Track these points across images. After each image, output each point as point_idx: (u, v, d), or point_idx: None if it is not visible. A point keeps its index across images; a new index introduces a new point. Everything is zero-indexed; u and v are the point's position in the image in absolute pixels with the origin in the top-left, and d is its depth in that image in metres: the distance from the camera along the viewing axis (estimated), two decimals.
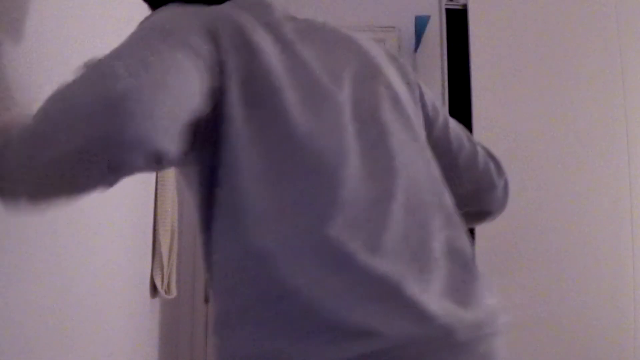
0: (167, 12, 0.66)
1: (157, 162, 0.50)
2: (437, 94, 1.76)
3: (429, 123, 0.79)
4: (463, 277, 0.65)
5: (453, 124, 0.84)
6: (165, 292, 1.78)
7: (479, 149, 0.86)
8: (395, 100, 0.71)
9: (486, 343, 0.62)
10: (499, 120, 1.66)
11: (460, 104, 1.69)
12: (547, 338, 1.57)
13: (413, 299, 0.56)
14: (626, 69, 1.68)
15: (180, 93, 0.53)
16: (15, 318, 0.92)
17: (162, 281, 1.76)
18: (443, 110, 0.84)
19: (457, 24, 1.73)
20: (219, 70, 0.60)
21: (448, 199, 0.69)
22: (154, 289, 1.75)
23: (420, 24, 2.18)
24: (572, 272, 1.60)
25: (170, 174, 1.80)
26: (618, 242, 1.61)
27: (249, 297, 0.58)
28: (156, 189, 1.74)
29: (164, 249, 1.75)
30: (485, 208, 0.91)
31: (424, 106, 0.78)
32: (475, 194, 0.86)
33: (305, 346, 0.54)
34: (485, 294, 0.67)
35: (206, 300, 2.20)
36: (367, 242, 0.57)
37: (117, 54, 0.55)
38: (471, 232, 1.60)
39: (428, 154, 0.71)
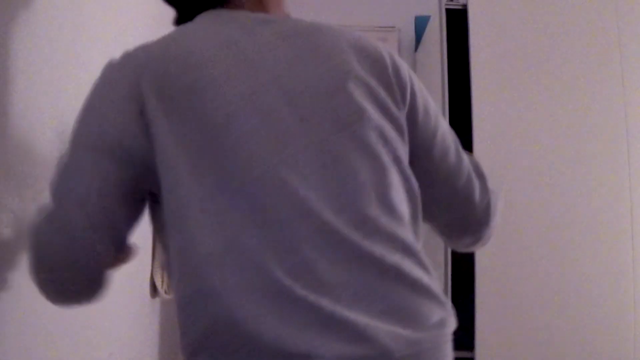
0: (92, 95, 0.74)
1: (119, 242, 0.73)
2: (437, 94, 1.76)
3: (415, 124, 0.76)
4: (406, 297, 0.66)
5: (445, 133, 0.81)
6: (165, 292, 1.78)
7: (466, 164, 0.82)
8: (354, 126, 0.69)
9: (425, 357, 0.65)
10: (499, 120, 1.66)
11: (460, 104, 1.69)
12: (547, 338, 1.58)
13: (349, 322, 0.60)
14: (626, 69, 1.68)
15: (98, 196, 0.66)
16: (15, 318, 0.92)
17: (162, 281, 1.75)
18: (438, 117, 0.81)
19: (457, 24, 1.73)
20: (147, 131, 0.67)
21: (395, 227, 0.68)
22: (154, 289, 1.75)
23: (420, 24, 2.18)
24: (572, 272, 1.60)
25: None
26: (618, 243, 1.61)
27: (200, 330, 0.65)
28: None
29: (164, 249, 1.75)
30: (463, 228, 0.86)
31: (412, 108, 0.76)
32: (452, 208, 0.83)
33: None
34: (432, 312, 0.67)
35: None
36: (300, 276, 0.61)
37: (55, 180, 0.72)
38: None
39: (383, 176, 0.69)
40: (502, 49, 1.69)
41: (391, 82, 0.75)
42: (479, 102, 1.65)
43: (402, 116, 0.74)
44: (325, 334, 0.59)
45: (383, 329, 0.61)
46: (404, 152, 0.73)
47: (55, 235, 0.67)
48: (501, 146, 1.64)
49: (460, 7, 1.73)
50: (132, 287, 1.56)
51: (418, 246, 0.70)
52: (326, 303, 0.60)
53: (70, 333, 1.15)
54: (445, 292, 1.63)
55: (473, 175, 0.82)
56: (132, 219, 0.75)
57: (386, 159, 0.69)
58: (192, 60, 0.68)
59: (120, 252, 0.75)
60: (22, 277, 0.94)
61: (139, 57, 0.70)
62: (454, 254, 1.67)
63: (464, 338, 1.72)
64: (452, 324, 0.71)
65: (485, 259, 1.59)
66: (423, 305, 0.66)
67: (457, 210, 0.83)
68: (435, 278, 0.71)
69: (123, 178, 0.67)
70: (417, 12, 2.26)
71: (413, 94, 0.77)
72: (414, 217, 0.72)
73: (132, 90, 0.68)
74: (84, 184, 0.67)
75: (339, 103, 0.69)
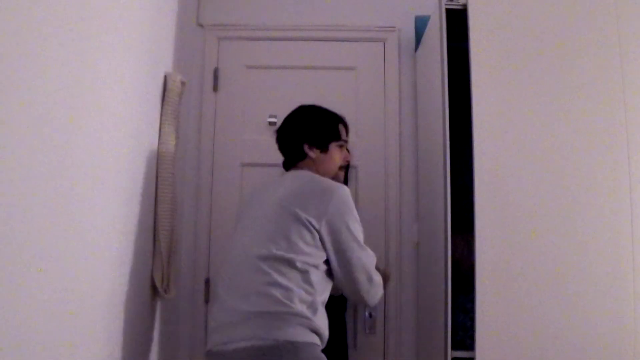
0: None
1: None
2: (437, 94, 1.76)
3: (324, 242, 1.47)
4: (247, 312, 1.37)
5: (335, 263, 1.48)
6: (165, 292, 1.78)
7: (345, 273, 1.50)
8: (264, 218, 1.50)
9: (232, 354, 1.34)
10: (499, 120, 1.66)
11: (460, 104, 1.69)
12: (547, 338, 1.57)
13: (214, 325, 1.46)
14: (626, 69, 1.68)
15: None
16: (16, 318, 0.92)
17: (162, 281, 1.76)
18: (329, 235, 1.46)
19: (457, 24, 1.73)
20: None
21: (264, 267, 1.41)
22: (154, 289, 1.75)
23: (420, 24, 2.18)
24: (572, 272, 1.60)
25: (171, 174, 1.80)
26: (618, 243, 1.61)
27: None
28: (156, 189, 1.74)
29: (164, 249, 1.75)
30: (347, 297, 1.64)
31: (322, 238, 1.45)
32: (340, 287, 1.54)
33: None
34: (250, 325, 1.35)
35: (206, 301, 2.20)
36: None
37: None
38: (471, 232, 1.60)
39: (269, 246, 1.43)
40: (502, 49, 1.69)
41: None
42: (479, 102, 1.65)
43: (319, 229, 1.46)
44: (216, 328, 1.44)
45: (222, 333, 1.41)
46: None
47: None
48: (501, 146, 1.64)
49: (460, 7, 1.73)
50: (132, 287, 1.56)
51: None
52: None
53: (70, 332, 1.15)
54: (445, 292, 1.63)
55: (350, 281, 1.50)
56: None
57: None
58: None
59: None
60: (23, 276, 0.94)
61: None
62: (454, 253, 1.67)
63: (464, 338, 1.72)
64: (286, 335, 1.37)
65: (485, 259, 1.59)
66: (253, 320, 1.37)
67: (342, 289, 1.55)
68: (291, 303, 1.37)
69: None
70: (417, 12, 2.26)
71: (329, 226, 1.46)
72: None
73: None
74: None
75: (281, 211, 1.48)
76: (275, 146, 1.70)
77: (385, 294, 2.17)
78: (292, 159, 1.64)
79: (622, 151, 1.64)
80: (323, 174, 1.60)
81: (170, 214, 1.80)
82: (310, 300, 1.39)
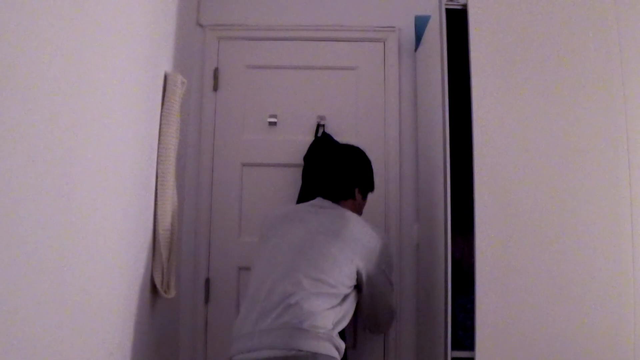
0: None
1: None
2: (437, 94, 1.77)
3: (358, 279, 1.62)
4: (268, 329, 1.45)
5: (368, 290, 1.65)
6: (165, 292, 1.78)
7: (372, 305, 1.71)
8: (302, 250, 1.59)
9: None
10: (499, 120, 1.66)
11: (460, 104, 1.69)
12: (547, 338, 1.57)
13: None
14: (626, 69, 1.68)
15: None
16: (16, 318, 0.92)
17: (162, 281, 1.76)
18: (368, 279, 1.63)
19: (457, 24, 1.73)
20: None
21: (293, 299, 1.47)
22: (154, 289, 1.75)
23: (420, 24, 2.18)
24: (573, 272, 1.60)
25: (170, 174, 1.80)
26: (618, 243, 1.61)
27: None
28: (156, 189, 1.74)
29: (164, 249, 1.75)
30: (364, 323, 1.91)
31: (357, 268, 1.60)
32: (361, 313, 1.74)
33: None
34: (274, 335, 1.42)
35: (206, 300, 2.19)
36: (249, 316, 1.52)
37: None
38: (471, 232, 1.60)
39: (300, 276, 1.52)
40: (502, 49, 1.69)
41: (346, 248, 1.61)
42: (479, 102, 1.65)
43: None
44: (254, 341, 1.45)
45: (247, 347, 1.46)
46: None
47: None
48: (501, 146, 1.64)
49: (460, 7, 1.73)
50: (132, 287, 1.56)
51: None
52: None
53: (70, 333, 1.15)
54: (445, 292, 1.63)
55: (372, 312, 1.74)
56: None
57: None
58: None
59: None
60: (23, 276, 0.94)
61: None
62: (454, 253, 1.67)
63: (464, 338, 1.72)
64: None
65: (485, 259, 1.59)
66: (275, 335, 1.44)
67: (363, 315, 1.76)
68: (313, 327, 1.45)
69: None
70: (417, 12, 2.26)
71: (362, 259, 1.62)
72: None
73: None
74: None
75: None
76: (274, 146, 1.71)
77: None
78: (337, 194, 1.75)
79: (622, 151, 1.64)
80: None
81: (170, 214, 1.80)
82: (337, 319, 1.50)
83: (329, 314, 1.47)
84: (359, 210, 1.81)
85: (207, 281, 2.20)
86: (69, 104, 1.10)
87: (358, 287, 1.62)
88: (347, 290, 1.55)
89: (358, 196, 1.78)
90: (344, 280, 1.53)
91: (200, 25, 2.33)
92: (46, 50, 0.99)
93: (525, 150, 1.65)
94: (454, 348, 1.62)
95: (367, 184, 1.82)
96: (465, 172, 1.66)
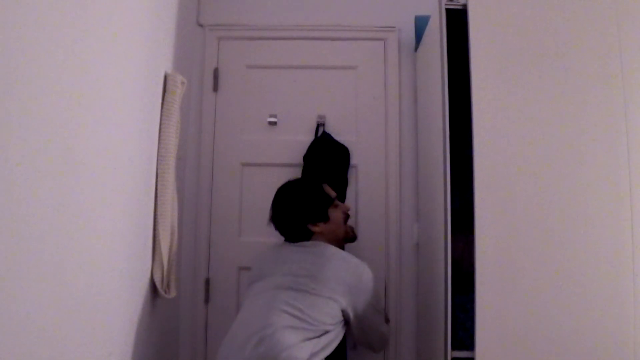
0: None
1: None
2: (437, 94, 1.76)
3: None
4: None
5: (357, 324, 1.64)
6: (165, 292, 1.78)
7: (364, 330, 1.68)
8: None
9: None
10: (499, 121, 1.66)
11: (460, 104, 1.69)
12: (547, 338, 1.58)
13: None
14: (626, 68, 1.68)
15: None
16: (16, 317, 0.92)
17: (162, 281, 1.76)
18: (355, 315, 1.61)
19: (457, 24, 1.73)
20: None
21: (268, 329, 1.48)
22: (154, 289, 1.75)
23: (420, 24, 2.18)
24: (573, 272, 1.60)
25: (170, 174, 1.80)
26: (618, 243, 1.61)
27: None
28: (156, 189, 1.74)
29: (164, 249, 1.75)
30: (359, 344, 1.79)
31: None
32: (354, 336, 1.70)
33: None
34: (255, 349, 1.44)
35: (206, 300, 2.19)
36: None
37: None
38: (471, 232, 1.60)
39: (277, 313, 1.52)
40: (502, 49, 1.69)
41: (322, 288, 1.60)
42: (479, 102, 1.65)
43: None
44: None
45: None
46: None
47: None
48: (501, 146, 1.64)
49: (460, 7, 1.73)
50: (132, 287, 1.56)
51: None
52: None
53: (70, 333, 1.15)
54: (445, 292, 1.63)
55: (365, 342, 1.73)
56: None
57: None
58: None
59: None
60: (23, 276, 0.94)
61: None
62: (453, 254, 1.67)
63: (464, 338, 1.72)
64: None
65: (485, 259, 1.59)
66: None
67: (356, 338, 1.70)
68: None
69: None
70: (417, 12, 2.26)
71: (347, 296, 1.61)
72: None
73: None
74: None
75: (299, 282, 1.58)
76: (274, 146, 1.71)
77: (385, 294, 2.17)
78: (297, 237, 1.72)
79: (622, 151, 1.64)
80: (336, 240, 1.75)
81: (170, 214, 1.80)
82: (315, 351, 1.50)
83: (305, 345, 1.47)
84: (336, 232, 1.76)
85: (207, 281, 2.20)
86: (69, 104, 1.10)
87: (346, 321, 1.62)
88: (329, 327, 1.54)
89: (319, 227, 1.73)
90: (324, 319, 1.53)
91: (200, 25, 2.33)
92: (46, 50, 0.99)
93: (525, 150, 1.64)
94: (454, 348, 1.62)
95: (312, 213, 1.73)
96: (465, 172, 1.66)
